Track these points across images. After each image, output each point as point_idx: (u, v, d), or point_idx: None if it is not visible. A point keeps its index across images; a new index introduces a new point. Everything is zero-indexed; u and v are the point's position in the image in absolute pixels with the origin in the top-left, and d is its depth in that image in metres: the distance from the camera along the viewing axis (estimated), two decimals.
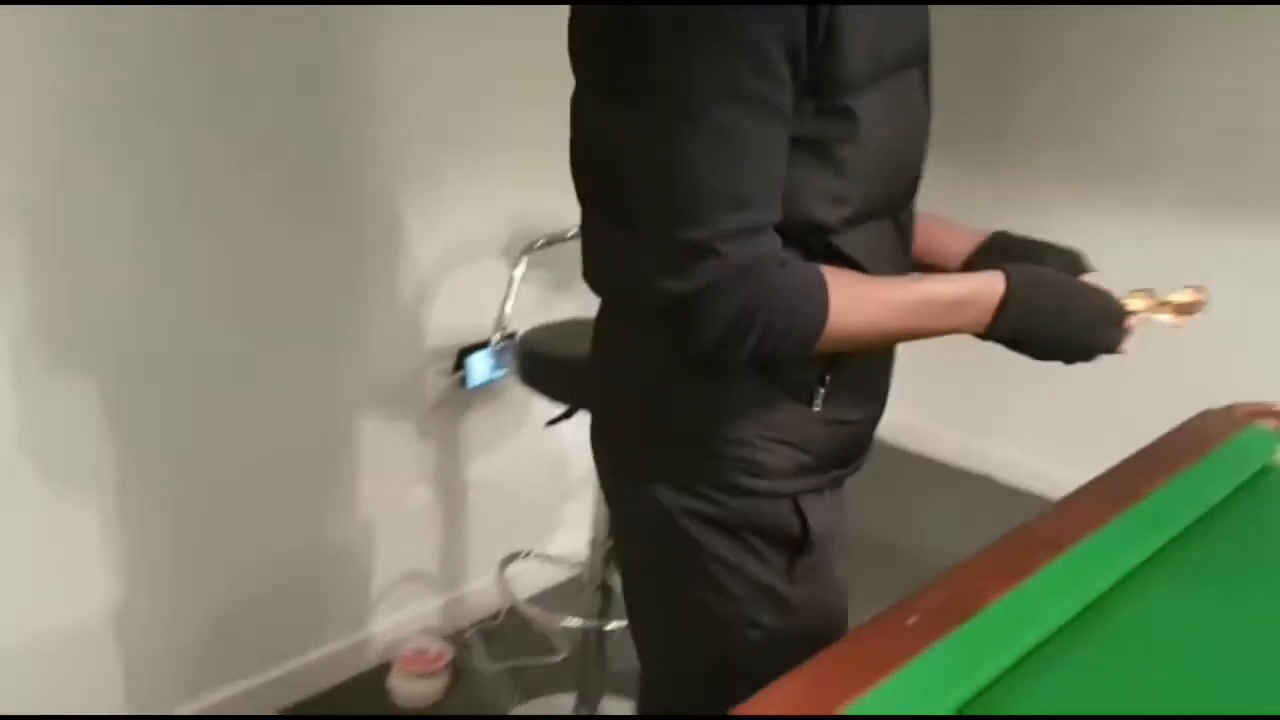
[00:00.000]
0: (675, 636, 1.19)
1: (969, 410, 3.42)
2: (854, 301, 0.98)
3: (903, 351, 1.15)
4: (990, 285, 1.03)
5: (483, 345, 2.22)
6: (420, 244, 2.14)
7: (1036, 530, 1.12)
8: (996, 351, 1.08)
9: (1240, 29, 2.73)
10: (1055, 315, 1.05)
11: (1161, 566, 1.07)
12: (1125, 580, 1.03)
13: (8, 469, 1.66)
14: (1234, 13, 2.71)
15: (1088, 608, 0.98)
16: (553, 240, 1.99)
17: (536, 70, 2.14)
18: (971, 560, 1.03)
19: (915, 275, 1.13)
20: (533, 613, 2.10)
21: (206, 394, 1.88)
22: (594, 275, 1.14)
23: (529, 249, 1.98)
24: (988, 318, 1.02)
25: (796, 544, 1.11)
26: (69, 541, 1.77)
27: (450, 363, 2.26)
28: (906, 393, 1.59)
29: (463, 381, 2.26)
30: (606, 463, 1.22)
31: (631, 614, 1.24)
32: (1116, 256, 1.44)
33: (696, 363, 1.03)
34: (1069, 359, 1.08)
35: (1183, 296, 1.11)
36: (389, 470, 2.23)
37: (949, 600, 0.95)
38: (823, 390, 1.08)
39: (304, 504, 2.10)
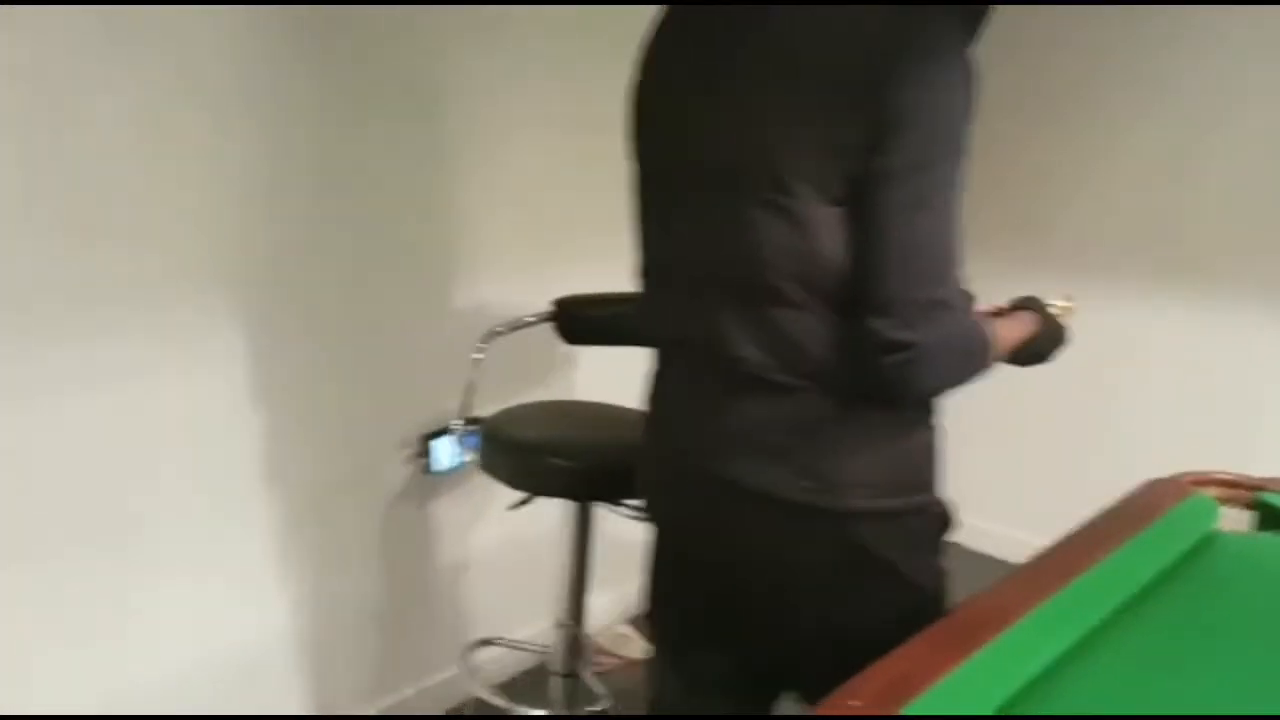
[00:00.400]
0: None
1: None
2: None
3: None
4: (1028, 326, 1.39)
5: (447, 431, 2.23)
6: (387, 329, 2.16)
7: (981, 606, 1.13)
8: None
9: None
10: (1048, 340, 1.43)
11: (1106, 636, 1.09)
12: (1070, 652, 1.05)
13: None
14: None
15: (1033, 682, 1.00)
16: (515, 327, 2.02)
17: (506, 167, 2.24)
18: (916, 640, 1.04)
19: (990, 319, 1.33)
20: (498, 702, 2.08)
21: None
22: (803, 362, 1.19)
23: (490, 336, 2.00)
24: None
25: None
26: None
27: (415, 449, 2.26)
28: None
29: (427, 467, 2.27)
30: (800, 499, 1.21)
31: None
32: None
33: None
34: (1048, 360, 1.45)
35: (1067, 304, 1.49)
36: (353, 557, 2.22)
37: (897, 680, 0.96)
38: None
39: (264, 589, 2.07)
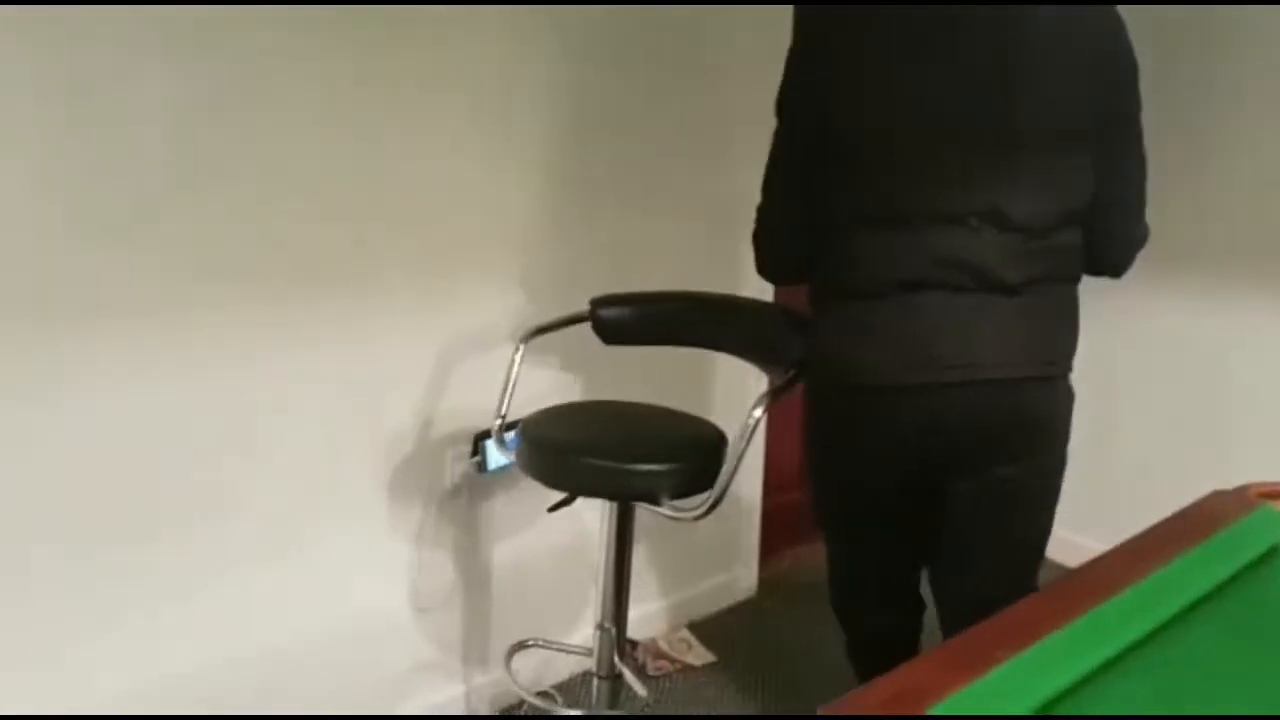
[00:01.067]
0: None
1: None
2: None
3: None
4: None
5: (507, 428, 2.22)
6: (448, 327, 2.18)
7: (1017, 613, 1.08)
8: None
9: None
10: None
11: (1154, 646, 1.04)
12: (1108, 664, 0.99)
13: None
14: None
15: (1084, 680, 0.95)
16: (551, 327, 2.01)
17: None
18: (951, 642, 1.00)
19: None
20: (540, 703, 2.06)
21: None
22: (1061, 267, 1.58)
23: (528, 336, 1.99)
24: None
25: None
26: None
27: (468, 447, 2.27)
28: None
29: (481, 466, 2.27)
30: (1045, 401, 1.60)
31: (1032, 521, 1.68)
32: None
33: None
34: None
35: None
36: (405, 553, 2.23)
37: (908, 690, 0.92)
38: None
39: (319, 583, 2.10)
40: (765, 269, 1.79)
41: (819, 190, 1.61)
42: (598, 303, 1.98)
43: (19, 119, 1.59)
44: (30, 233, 1.63)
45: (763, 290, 2.37)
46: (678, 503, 1.67)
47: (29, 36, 1.57)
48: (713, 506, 1.63)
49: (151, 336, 1.79)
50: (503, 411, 1.95)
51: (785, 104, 1.66)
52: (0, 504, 1.68)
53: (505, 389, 1.96)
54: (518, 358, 1.95)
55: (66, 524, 1.75)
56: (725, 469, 1.67)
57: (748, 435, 1.62)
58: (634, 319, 1.99)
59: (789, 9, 2.53)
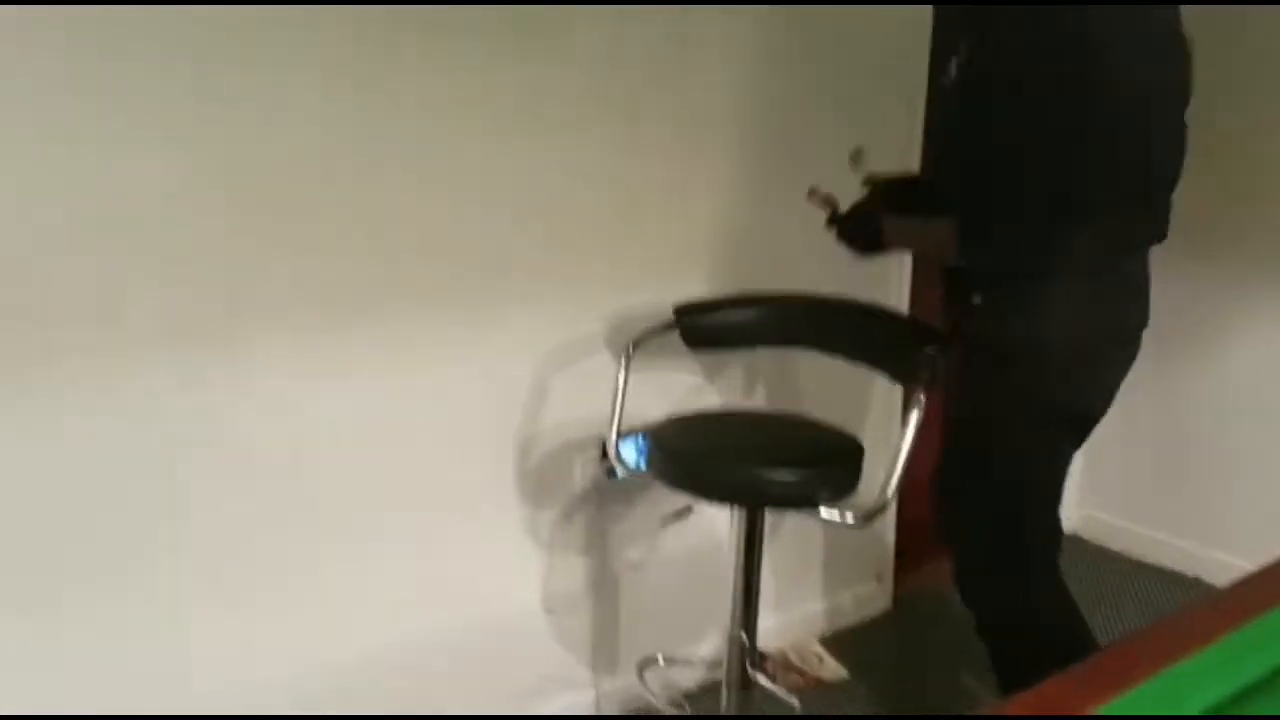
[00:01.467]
0: None
1: (1177, 510, 3.15)
2: None
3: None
4: None
5: (629, 435, 2.23)
6: (579, 329, 2.21)
7: (1163, 629, 1.01)
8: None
9: None
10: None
11: None
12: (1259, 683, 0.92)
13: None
14: None
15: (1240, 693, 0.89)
16: (644, 336, 2.04)
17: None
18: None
19: None
20: (671, 712, 2.05)
21: None
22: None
23: (630, 345, 2.00)
24: None
25: None
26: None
27: (598, 451, 2.28)
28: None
29: (610, 471, 2.28)
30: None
31: None
32: None
33: None
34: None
35: None
36: (539, 557, 2.26)
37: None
38: None
39: (456, 583, 2.14)
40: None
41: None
42: (682, 309, 2.03)
43: (182, 119, 1.68)
44: (194, 230, 1.72)
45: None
46: (824, 511, 1.66)
47: (188, 40, 1.66)
48: (877, 513, 1.62)
49: (319, 336, 1.87)
50: (617, 419, 1.96)
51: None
52: (197, 491, 1.79)
53: (616, 397, 1.98)
54: (625, 366, 1.97)
55: (243, 514, 1.84)
56: (891, 475, 1.65)
57: (909, 439, 1.61)
58: (716, 324, 2.00)
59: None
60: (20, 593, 1.65)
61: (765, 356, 2.34)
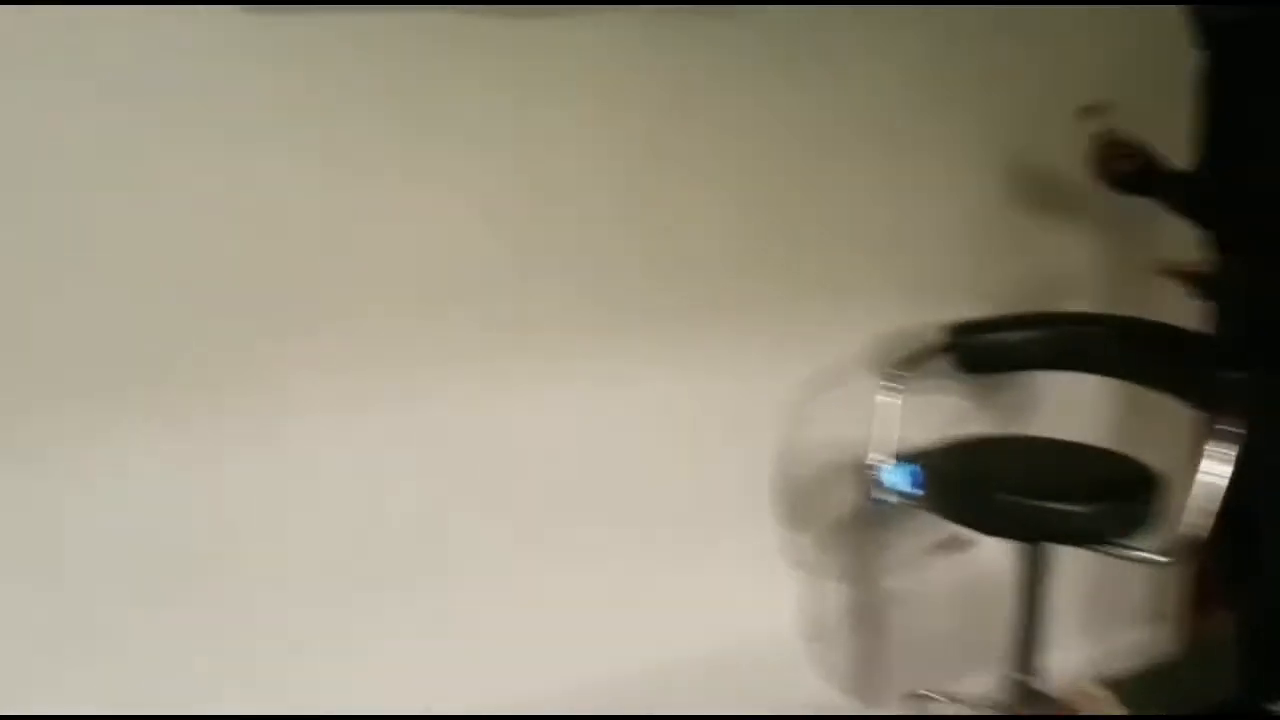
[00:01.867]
0: None
1: None
2: None
3: None
4: None
5: (899, 459, 2.16)
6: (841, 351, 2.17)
7: None
8: None
9: None
10: None
11: None
12: None
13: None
14: None
15: None
16: (909, 360, 1.96)
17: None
18: None
19: None
20: None
21: None
22: None
23: (890, 372, 1.92)
24: None
25: None
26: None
27: (861, 477, 2.22)
28: None
29: (874, 498, 2.21)
30: None
31: None
32: None
33: None
34: None
35: None
36: (798, 582, 2.23)
37: None
38: None
39: (721, 600, 2.15)
40: None
41: None
42: (958, 329, 1.93)
43: (472, 165, 1.78)
44: (481, 263, 1.82)
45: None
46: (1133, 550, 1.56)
47: (476, 87, 1.76)
48: (1186, 548, 1.50)
49: (607, 341, 1.94)
50: (884, 443, 1.89)
51: None
52: (488, 493, 1.88)
53: (884, 420, 1.92)
54: (890, 388, 1.90)
55: (489, 522, 1.91)
56: (1192, 508, 1.53)
57: (1211, 471, 1.50)
58: (1002, 345, 1.88)
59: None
60: (321, 594, 1.77)
61: (1026, 380, 2.21)
